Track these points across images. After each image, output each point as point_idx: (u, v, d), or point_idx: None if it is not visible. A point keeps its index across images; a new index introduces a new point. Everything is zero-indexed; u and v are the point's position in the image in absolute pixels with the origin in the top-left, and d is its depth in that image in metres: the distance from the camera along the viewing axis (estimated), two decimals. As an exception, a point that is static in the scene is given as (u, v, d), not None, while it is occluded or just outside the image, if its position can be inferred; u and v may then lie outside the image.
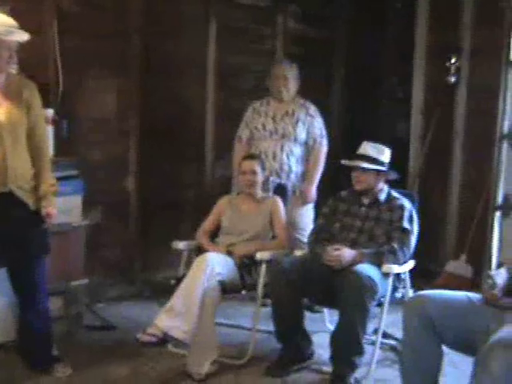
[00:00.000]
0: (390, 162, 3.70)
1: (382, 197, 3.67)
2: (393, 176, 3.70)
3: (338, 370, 3.34)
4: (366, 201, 3.69)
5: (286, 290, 3.40)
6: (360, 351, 3.33)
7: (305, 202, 4.58)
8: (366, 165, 3.56)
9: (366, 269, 3.32)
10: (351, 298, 3.24)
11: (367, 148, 3.62)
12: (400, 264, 3.47)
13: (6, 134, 3.08)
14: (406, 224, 3.54)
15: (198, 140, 5.34)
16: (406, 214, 3.57)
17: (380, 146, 3.65)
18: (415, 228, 3.58)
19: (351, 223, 3.66)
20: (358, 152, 3.65)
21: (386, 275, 3.41)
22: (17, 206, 3.18)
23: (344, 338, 3.31)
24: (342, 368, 3.33)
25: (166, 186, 5.09)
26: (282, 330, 3.53)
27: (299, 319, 3.56)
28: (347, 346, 3.31)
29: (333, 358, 3.38)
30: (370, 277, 3.25)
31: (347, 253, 3.44)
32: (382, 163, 3.62)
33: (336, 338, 3.36)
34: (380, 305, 3.48)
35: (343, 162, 3.65)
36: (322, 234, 3.70)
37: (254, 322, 3.66)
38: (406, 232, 3.52)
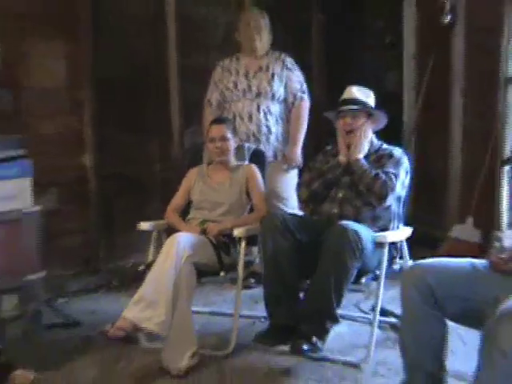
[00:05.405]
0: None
1: (372, 148, 3.69)
2: (383, 121, 3.73)
3: (305, 328, 3.32)
4: None
5: (284, 240, 3.38)
6: (331, 316, 3.31)
7: (289, 167, 4.57)
8: (356, 107, 3.62)
9: (356, 225, 3.33)
10: (329, 252, 3.25)
11: (353, 91, 3.66)
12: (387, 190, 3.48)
13: None
14: (390, 168, 3.56)
15: (162, 106, 5.26)
16: (394, 159, 3.60)
17: (365, 88, 3.71)
18: (402, 174, 3.58)
19: (339, 180, 3.70)
20: (342, 97, 3.69)
21: (380, 245, 3.41)
22: None
23: (315, 295, 3.31)
24: (308, 328, 3.31)
25: (127, 162, 5.05)
26: (276, 291, 3.44)
27: (297, 280, 3.47)
28: (318, 305, 3.29)
29: (302, 315, 3.35)
30: (356, 231, 3.25)
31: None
32: (370, 107, 3.68)
33: (308, 295, 3.38)
34: (376, 278, 3.48)
35: (326, 114, 3.70)
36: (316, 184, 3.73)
37: (236, 307, 3.63)
38: (388, 175, 3.52)
